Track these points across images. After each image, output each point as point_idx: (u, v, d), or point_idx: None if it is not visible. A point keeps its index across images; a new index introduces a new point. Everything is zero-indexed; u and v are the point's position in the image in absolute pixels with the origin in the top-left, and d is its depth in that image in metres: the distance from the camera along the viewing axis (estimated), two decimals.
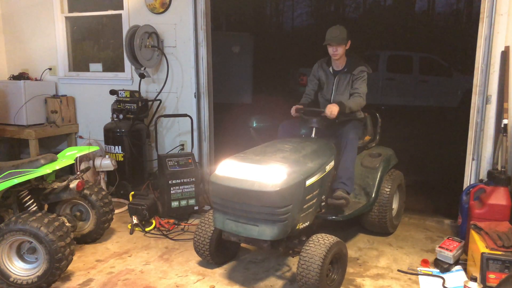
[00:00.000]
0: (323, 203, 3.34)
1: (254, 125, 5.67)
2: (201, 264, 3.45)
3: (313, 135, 3.58)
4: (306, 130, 3.71)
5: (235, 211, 2.89)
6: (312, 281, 2.73)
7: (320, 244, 2.83)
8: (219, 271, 3.34)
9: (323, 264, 2.75)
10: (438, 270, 3.32)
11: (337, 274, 3.02)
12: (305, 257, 2.79)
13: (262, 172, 2.85)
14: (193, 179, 4.38)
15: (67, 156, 3.65)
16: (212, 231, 3.25)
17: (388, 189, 3.82)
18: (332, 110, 3.46)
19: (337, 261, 3.00)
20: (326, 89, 3.91)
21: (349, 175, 3.53)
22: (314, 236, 2.94)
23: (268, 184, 2.77)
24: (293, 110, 3.76)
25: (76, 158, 4.19)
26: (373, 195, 3.73)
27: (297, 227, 2.98)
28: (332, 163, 3.39)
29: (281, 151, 3.14)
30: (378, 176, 3.79)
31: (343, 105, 3.54)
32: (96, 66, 5.92)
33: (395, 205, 4.09)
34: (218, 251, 3.33)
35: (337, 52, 3.72)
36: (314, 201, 3.14)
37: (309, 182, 3.00)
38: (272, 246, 2.93)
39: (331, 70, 3.89)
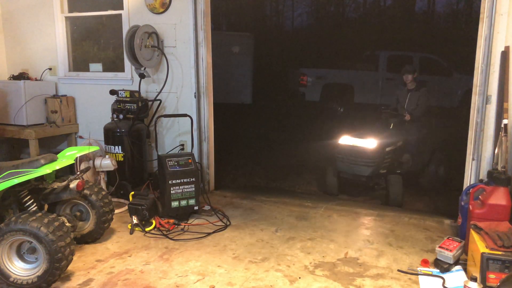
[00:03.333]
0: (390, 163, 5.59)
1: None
2: (201, 264, 3.46)
3: (391, 127, 5.77)
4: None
5: (350, 161, 5.36)
6: (398, 196, 5.18)
7: (397, 178, 5.30)
8: (219, 271, 3.34)
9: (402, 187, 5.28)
10: (438, 270, 3.32)
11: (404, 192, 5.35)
12: (392, 185, 5.22)
13: (364, 142, 5.34)
14: (193, 179, 4.38)
15: (67, 156, 3.65)
16: (337, 177, 5.60)
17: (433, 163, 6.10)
18: (408, 116, 5.75)
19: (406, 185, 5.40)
20: (402, 101, 6.01)
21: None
22: (391, 175, 5.37)
23: (368, 147, 5.29)
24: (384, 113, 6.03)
25: (76, 158, 4.19)
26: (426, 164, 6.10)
27: (380, 171, 5.38)
28: (400, 143, 5.69)
29: (374, 133, 5.53)
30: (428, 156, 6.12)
31: (413, 116, 5.78)
32: (96, 66, 5.92)
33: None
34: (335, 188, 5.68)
35: (409, 79, 5.90)
36: (389, 160, 5.50)
37: (388, 149, 5.42)
38: (367, 179, 5.34)
39: (406, 89, 6.00)
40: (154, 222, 4.18)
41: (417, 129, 5.85)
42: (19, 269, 3.08)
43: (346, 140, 5.47)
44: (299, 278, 3.23)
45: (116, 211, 4.42)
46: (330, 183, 5.66)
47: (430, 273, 3.29)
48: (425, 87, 5.99)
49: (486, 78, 3.92)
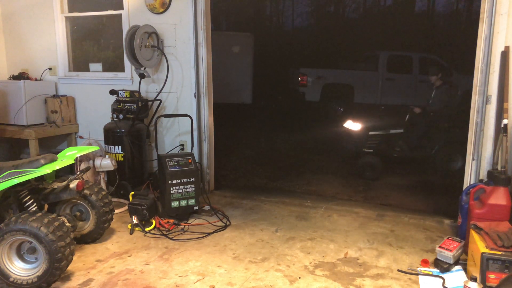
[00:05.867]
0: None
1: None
2: (201, 264, 3.46)
3: (406, 118, 6.68)
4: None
5: (345, 139, 7.01)
6: (361, 169, 6.42)
7: (367, 157, 6.44)
8: (219, 271, 3.34)
9: None
10: (438, 270, 3.32)
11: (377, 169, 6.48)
12: (362, 161, 6.46)
13: (352, 125, 6.70)
14: (193, 179, 4.38)
15: (67, 156, 3.65)
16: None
17: None
18: (417, 109, 6.61)
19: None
20: (429, 97, 6.91)
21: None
22: (365, 154, 6.50)
23: (353, 130, 6.76)
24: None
25: (76, 158, 4.20)
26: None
27: (364, 150, 6.48)
28: (400, 131, 6.60)
29: (371, 121, 6.83)
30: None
31: (425, 109, 6.61)
32: (96, 66, 5.92)
33: None
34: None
35: (432, 80, 6.62)
36: (375, 142, 6.51)
37: (371, 133, 6.53)
38: (354, 154, 6.70)
39: (434, 87, 6.71)
40: (154, 222, 4.18)
41: (424, 123, 6.60)
42: (19, 269, 3.08)
43: (346, 123, 6.92)
44: (299, 278, 3.23)
45: (116, 211, 4.42)
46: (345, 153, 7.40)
47: (430, 273, 3.30)
48: (447, 85, 6.65)
49: (486, 78, 3.92)
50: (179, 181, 4.32)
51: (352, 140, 6.72)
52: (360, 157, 6.50)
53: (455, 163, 6.56)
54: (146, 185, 5.08)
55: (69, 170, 4.37)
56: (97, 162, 4.77)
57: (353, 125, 6.75)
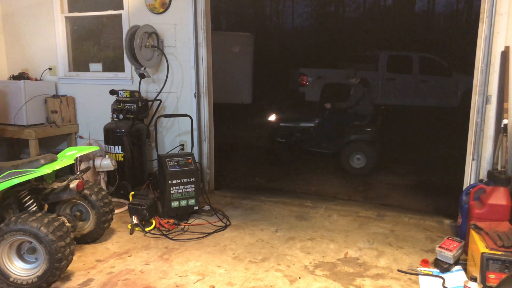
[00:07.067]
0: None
1: None
2: (201, 264, 3.46)
3: (325, 115, 6.99)
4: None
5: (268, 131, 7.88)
6: (274, 156, 7.23)
7: (276, 145, 7.18)
8: (219, 271, 3.34)
9: None
10: (438, 270, 3.32)
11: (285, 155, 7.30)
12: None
13: (271, 117, 7.61)
14: (193, 179, 4.38)
15: (67, 156, 3.65)
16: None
17: None
18: (327, 105, 6.98)
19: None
20: None
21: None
22: (274, 143, 7.27)
23: (270, 120, 7.62)
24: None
25: (76, 158, 4.19)
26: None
27: (278, 139, 7.03)
28: (311, 124, 7.01)
29: (284, 114, 7.82)
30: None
31: (333, 105, 6.92)
32: (96, 66, 5.92)
33: None
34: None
35: (353, 81, 6.91)
36: (286, 132, 7.00)
37: (282, 124, 7.14)
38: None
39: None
40: (154, 222, 4.18)
41: (335, 119, 6.93)
42: (19, 269, 3.08)
43: (271, 116, 7.62)
44: (299, 278, 3.23)
45: (116, 211, 4.42)
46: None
47: (430, 273, 3.30)
48: (361, 83, 6.97)
49: (486, 78, 3.92)
50: (179, 181, 4.32)
51: (269, 130, 7.43)
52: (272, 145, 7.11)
53: (357, 162, 6.55)
54: (146, 185, 5.08)
55: (69, 170, 4.36)
56: (97, 162, 4.76)
57: (272, 117, 7.52)
